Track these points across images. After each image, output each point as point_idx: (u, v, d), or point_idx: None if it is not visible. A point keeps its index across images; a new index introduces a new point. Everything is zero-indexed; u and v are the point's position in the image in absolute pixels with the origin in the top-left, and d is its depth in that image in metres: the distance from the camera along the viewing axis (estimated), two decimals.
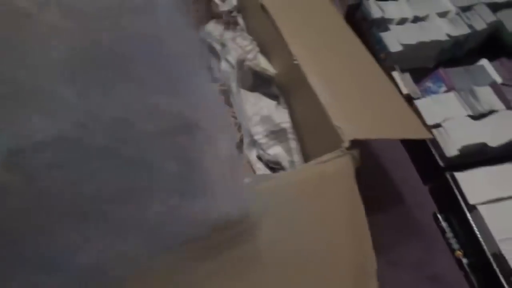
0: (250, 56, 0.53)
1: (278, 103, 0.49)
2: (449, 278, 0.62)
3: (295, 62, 0.44)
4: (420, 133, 0.45)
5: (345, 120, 0.40)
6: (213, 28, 0.60)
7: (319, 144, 0.44)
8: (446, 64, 0.84)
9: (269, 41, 0.52)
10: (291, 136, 0.48)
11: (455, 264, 0.63)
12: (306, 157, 0.48)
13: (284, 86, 0.50)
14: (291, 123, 0.48)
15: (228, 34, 0.57)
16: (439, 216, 0.67)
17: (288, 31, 0.47)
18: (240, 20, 0.57)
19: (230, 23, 0.57)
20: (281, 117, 0.48)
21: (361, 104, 0.43)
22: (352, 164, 0.38)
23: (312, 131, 0.45)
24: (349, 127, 0.39)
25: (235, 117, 0.53)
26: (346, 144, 0.38)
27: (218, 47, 0.58)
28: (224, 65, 0.53)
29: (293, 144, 0.47)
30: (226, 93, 0.56)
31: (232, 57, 0.52)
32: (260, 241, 0.33)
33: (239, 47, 0.54)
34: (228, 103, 0.55)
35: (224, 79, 0.55)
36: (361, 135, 0.39)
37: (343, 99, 0.42)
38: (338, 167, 0.38)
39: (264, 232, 0.34)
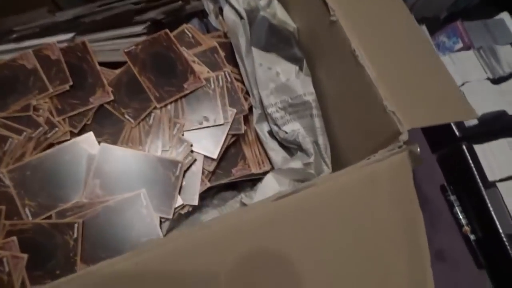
0: (261, 2, 0.41)
1: (300, 69, 0.39)
2: (455, 254, 0.59)
3: (333, 18, 0.33)
4: (469, 114, 0.37)
5: (399, 104, 0.31)
6: None
7: (357, 129, 0.35)
8: (458, 16, 0.75)
9: None
10: (315, 112, 0.38)
11: (460, 240, 0.60)
12: (332, 141, 0.39)
13: (309, 48, 0.39)
14: (315, 95, 0.39)
15: None
16: (447, 188, 0.62)
17: None
18: None
19: None
20: (304, 87, 0.38)
21: (410, 82, 0.34)
22: (411, 163, 0.30)
23: (347, 111, 0.36)
24: (405, 113, 0.30)
25: (241, 81, 0.43)
26: (405, 136, 0.29)
27: None
28: (228, 12, 0.41)
29: (318, 122, 0.38)
30: (226, 47, 0.45)
31: (239, 3, 0.40)
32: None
33: None
34: (230, 62, 0.44)
35: (226, 29, 0.43)
36: (418, 123, 0.31)
37: (391, 75, 0.33)
38: (394, 166, 0.29)
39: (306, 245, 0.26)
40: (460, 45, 0.69)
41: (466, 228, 0.60)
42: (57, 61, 0.39)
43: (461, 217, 0.60)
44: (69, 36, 0.42)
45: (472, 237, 0.59)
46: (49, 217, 0.35)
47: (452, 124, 0.61)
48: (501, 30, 0.70)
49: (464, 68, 0.64)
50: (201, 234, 0.24)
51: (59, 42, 0.41)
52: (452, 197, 0.61)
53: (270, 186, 0.33)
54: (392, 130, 0.30)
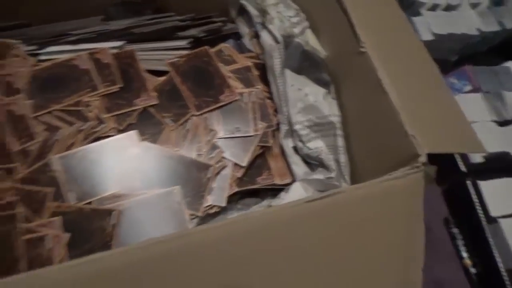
0: (296, 30, 0.45)
1: (327, 92, 0.43)
2: (454, 285, 0.62)
3: (362, 49, 0.38)
4: (479, 148, 0.41)
5: (419, 129, 0.34)
6: None
7: (376, 150, 0.39)
8: (468, 60, 0.80)
9: (322, 16, 0.45)
10: (339, 132, 0.42)
11: (460, 271, 0.62)
12: (351, 159, 0.42)
13: (336, 74, 0.43)
14: (340, 117, 0.42)
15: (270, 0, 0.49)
16: (450, 220, 0.65)
17: (353, 9, 0.40)
18: None
19: None
20: (330, 108, 0.42)
21: (429, 112, 0.38)
22: (424, 182, 0.33)
23: (368, 133, 0.40)
24: (424, 138, 0.34)
25: (271, 98, 0.47)
26: (423, 158, 0.33)
27: (254, 12, 0.50)
28: (265, 36, 0.45)
29: (341, 141, 0.42)
30: (258, 67, 0.49)
31: (276, 29, 0.45)
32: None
33: (284, 17, 0.47)
34: (262, 81, 0.48)
35: (260, 51, 0.48)
36: (437, 149, 0.34)
37: (413, 104, 0.36)
38: (409, 185, 0.33)
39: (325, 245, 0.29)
40: (469, 87, 0.74)
41: (467, 261, 0.62)
42: (109, 65, 0.43)
43: (462, 249, 0.63)
44: (119, 43, 0.46)
45: (472, 270, 0.62)
46: (90, 203, 0.38)
47: (458, 160, 0.64)
48: (507, 77, 0.74)
49: (472, 109, 0.68)
50: (229, 228, 0.27)
51: (110, 48, 0.45)
52: (455, 230, 0.64)
53: (297, 193, 0.36)
54: (410, 153, 0.34)
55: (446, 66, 0.82)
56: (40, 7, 0.48)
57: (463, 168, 0.64)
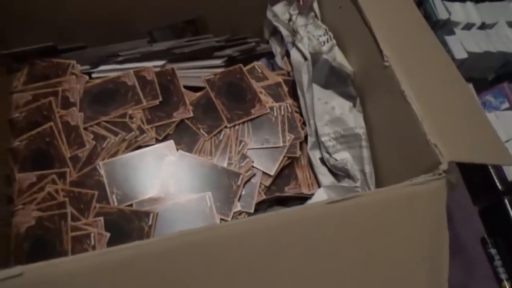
0: (324, 48, 0.48)
1: (353, 105, 0.45)
2: None
3: (386, 63, 0.40)
4: (506, 160, 0.41)
5: (441, 138, 0.35)
6: (282, 10, 0.55)
7: (400, 159, 0.40)
8: (507, 78, 0.79)
9: (349, 34, 0.47)
10: (364, 143, 0.43)
11: None
12: (376, 169, 0.43)
13: (362, 87, 0.45)
14: (366, 129, 0.44)
15: (301, 21, 0.52)
16: (488, 240, 0.63)
17: (378, 27, 0.42)
18: (315, 6, 0.52)
19: (303, 8, 0.52)
20: (356, 121, 0.44)
21: (453, 122, 0.39)
22: (446, 189, 0.34)
23: (393, 143, 0.41)
24: (446, 147, 0.35)
25: (299, 113, 0.49)
26: (445, 166, 0.33)
27: (285, 32, 0.53)
28: (295, 53, 0.48)
29: (366, 152, 0.43)
30: (288, 84, 0.52)
31: (305, 47, 0.48)
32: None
33: (313, 36, 0.49)
34: (291, 96, 0.51)
35: (290, 69, 0.51)
36: (459, 158, 0.35)
37: (436, 114, 0.37)
38: (431, 191, 0.34)
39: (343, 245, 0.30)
40: (506, 105, 0.73)
41: (506, 284, 0.60)
42: (151, 81, 0.48)
43: (500, 271, 0.61)
44: (162, 62, 0.51)
45: None
46: (130, 205, 0.41)
47: (495, 178, 0.63)
48: None
49: (509, 126, 0.67)
50: (252, 224, 0.29)
51: (154, 66, 0.50)
52: (493, 250, 0.62)
53: (321, 198, 0.37)
54: (433, 161, 0.35)
55: (483, 85, 0.81)
56: (95, 31, 0.54)
57: (500, 186, 0.62)
